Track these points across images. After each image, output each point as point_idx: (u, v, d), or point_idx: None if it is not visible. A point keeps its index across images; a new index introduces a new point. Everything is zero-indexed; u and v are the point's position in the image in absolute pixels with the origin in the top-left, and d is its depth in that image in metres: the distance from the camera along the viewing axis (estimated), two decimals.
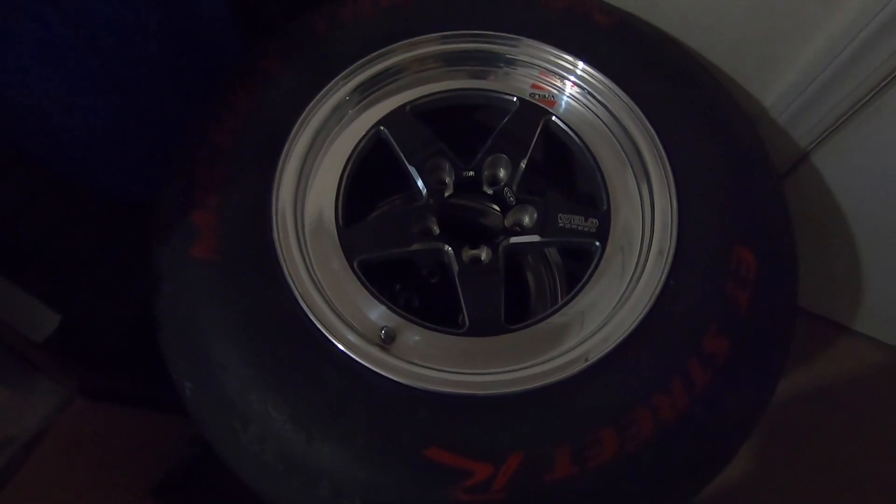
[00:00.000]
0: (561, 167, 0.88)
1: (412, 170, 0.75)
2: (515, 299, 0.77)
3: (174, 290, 0.64)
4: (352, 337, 0.61)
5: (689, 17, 0.82)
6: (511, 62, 0.81)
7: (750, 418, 0.62)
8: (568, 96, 0.79)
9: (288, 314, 0.61)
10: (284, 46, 0.78)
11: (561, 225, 0.72)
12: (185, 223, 0.66)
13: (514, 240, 0.72)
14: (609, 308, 0.66)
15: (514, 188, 0.76)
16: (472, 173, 0.77)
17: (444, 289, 0.73)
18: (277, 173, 0.69)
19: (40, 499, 0.67)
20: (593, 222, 0.72)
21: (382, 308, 0.65)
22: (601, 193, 0.74)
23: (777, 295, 0.66)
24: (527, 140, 0.77)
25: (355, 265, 0.68)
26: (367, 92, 0.77)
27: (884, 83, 0.74)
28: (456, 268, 0.70)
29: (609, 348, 0.61)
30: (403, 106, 0.78)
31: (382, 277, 0.76)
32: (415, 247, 0.71)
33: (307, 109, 0.73)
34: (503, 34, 0.79)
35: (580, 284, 0.68)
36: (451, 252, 0.71)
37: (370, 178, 0.77)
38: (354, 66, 0.76)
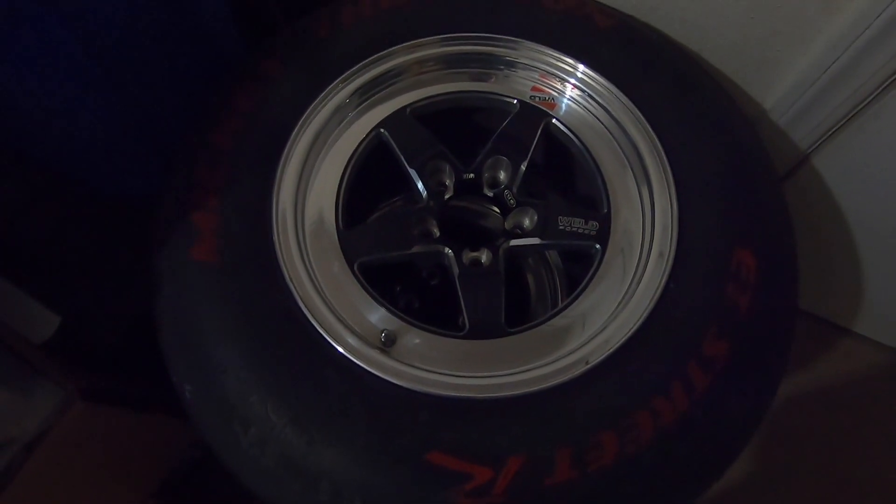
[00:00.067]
0: (561, 170, 0.88)
1: (412, 172, 0.75)
2: (516, 302, 0.77)
3: (174, 291, 0.64)
4: (352, 340, 0.61)
5: (690, 20, 0.82)
6: (511, 64, 0.80)
7: (750, 421, 0.62)
8: (568, 99, 0.79)
9: (288, 316, 0.61)
10: (285, 48, 0.78)
11: (561, 227, 0.72)
12: (186, 225, 0.66)
13: (514, 242, 0.72)
14: (609, 311, 0.66)
15: (515, 190, 0.76)
16: (472, 176, 0.77)
17: (445, 291, 0.73)
18: (278, 175, 0.69)
19: (40, 500, 0.68)
20: (594, 225, 0.71)
21: (383, 311, 0.65)
22: (601, 196, 0.74)
23: (777, 297, 0.66)
24: (527, 142, 0.77)
25: (355, 267, 0.68)
26: (368, 94, 0.77)
27: (883, 86, 0.74)
28: (456, 270, 0.70)
29: (610, 351, 0.61)
30: (404, 108, 0.78)
31: (383, 280, 0.75)
32: (415, 249, 0.71)
33: (308, 111, 0.73)
34: (504, 37, 0.79)
35: (580, 287, 0.68)
36: (452, 254, 0.71)
37: (370, 181, 0.77)
38: (355, 68, 0.76)
